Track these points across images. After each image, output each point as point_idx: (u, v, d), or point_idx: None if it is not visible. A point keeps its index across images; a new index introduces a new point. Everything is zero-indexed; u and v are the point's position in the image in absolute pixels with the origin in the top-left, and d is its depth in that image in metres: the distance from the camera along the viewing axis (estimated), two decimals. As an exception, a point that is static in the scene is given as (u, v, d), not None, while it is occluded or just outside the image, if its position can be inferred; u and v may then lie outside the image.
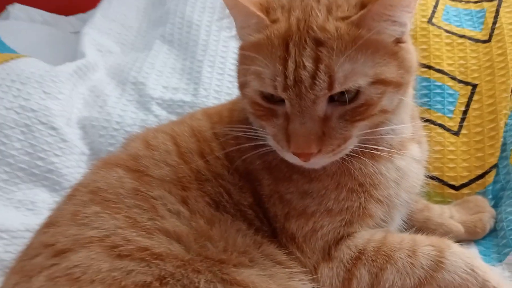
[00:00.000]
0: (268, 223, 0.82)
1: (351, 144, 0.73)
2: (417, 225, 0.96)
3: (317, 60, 0.66)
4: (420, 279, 0.73)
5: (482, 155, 1.10)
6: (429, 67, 1.21)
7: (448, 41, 1.25)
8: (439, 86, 1.19)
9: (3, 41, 1.69)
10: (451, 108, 1.17)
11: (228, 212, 0.80)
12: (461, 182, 1.09)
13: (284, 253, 0.78)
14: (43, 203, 1.15)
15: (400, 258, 0.74)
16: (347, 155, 0.75)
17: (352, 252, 0.77)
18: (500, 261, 0.92)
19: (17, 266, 0.75)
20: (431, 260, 0.74)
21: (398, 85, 0.71)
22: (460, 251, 0.76)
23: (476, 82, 1.18)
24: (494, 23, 1.24)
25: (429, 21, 1.28)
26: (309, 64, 0.66)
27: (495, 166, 1.07)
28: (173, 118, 1.30)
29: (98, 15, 1.78)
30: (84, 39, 1.64)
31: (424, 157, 0.91)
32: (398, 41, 0.72)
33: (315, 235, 0.79)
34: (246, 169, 0.83)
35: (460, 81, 1.19)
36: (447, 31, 1.26)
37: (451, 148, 1.12)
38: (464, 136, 1.13)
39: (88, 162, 1.27)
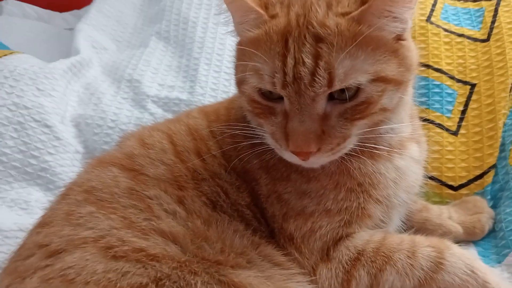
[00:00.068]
0: (266, 224, 0.81)
1: (351, 143, 0.72)
2: (415, 225, 0.96)
3: (316, 57, 0.65)
4: (419, 280, 0.73)
5: (480, 155, 1.09)
6: (428, 66, 1.20)
7: (446, 40, 1.24)
8: (437, 86, 1.19)
9: (-3, 37, 1.68)
10: (450, 107, 1.16)
11: (225, 212, 0.79)
12: (460, 183, 1.09)
13: (282, 254, 0.77)
14: (36, 202, 1.14)
15: (400, 259, 0.74)
16: (346, 154, 0.74)
17: (351, 253, 0.77)
18: (499, 262, 0.91)
19: (10, 266, 0.74)
20: (431, 261, 0.74)
21: (399, 83, 0.71)
22: (460, 252, 0.75)
23: (474, 81, 1.17)
24: (493, 22, 1.24)
25: (428, 19, 1.28)
26: (308, 60, 0.65)
27: (494, 166, 1.07)
28: (169, 116, 1.29)
29: (93, 11, 1.76)
30: (79, 36, 1.62)
31: (423, 157, 0.90)
32: (399, 38, 0.71)
33: (314, 236, 0.78)
34: (244, 168, 0.83)
35: (458, 81, 1.18)
36: (445, 30, 1.26)
37: (449, 148, 1.12)
38: (463, 136, 1.12)
39: (82, 160, 1.25)
